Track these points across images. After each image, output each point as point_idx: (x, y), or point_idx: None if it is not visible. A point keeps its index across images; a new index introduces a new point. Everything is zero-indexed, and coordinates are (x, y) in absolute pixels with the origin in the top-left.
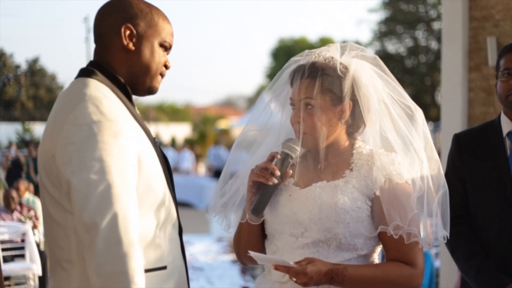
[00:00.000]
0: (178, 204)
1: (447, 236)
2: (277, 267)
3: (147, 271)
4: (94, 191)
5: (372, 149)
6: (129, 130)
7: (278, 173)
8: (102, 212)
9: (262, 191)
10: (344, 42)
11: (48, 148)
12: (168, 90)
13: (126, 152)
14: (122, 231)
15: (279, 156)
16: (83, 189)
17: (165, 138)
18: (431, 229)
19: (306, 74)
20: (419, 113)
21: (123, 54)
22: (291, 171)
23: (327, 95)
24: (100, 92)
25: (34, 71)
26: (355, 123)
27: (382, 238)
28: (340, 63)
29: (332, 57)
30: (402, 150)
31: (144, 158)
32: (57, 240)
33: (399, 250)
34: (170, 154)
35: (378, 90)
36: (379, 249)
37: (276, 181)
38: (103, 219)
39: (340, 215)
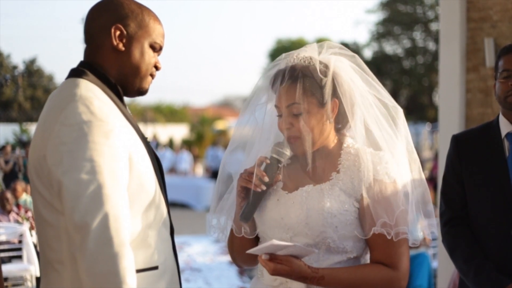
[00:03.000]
0: (176, 205)
1: (438, 236)
2: (261, 261)
3: (138, 271)
4: (85, 191)
5: (360, 148)
6: (120, 130)
7: (266, 179)
8: (93, 212)
9: (251, 196)
10: (342, 43)
11: (39, 149)
12: (165, 91)
13: (117, 152)
14: (113, 231)
15: (268, 161)
16: (74, 189)
17: (163, 139)
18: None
19: (286, 78)
20: (399, 112)
21: (113, 55)
22: (280, 175)
23: (311, 97)
24: (91, 92)
25: (32, 71)
26: (344, 119)
27: (367, 239)
28: (320, 62)
29: (311, 57)
30: (387, 147)
31: (135, 157)
32: (49, 241)
33: (382, 251)
34: (167, 155)
35: (359, 86)
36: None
37: (264, 187)
38: (94, 219)
39: (327, 219)
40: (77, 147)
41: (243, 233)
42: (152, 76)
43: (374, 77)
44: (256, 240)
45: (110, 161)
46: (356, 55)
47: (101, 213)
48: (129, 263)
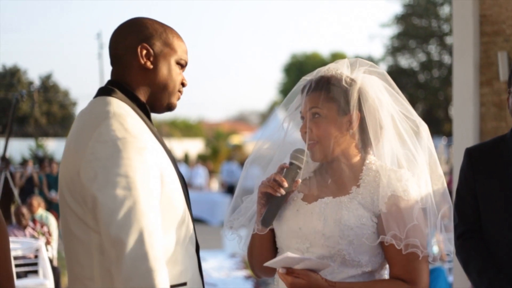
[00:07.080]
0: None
1: (453, 250)
2: (279, 275)
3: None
4: (120, 207)
5: (381, 165)
6: (152, 147)
7: (285, 184)
8: (129, 227)
9: (271, 202)
10: (356, 57)
11: (72, 166)
12: (181, 106)
13: (150, 168)
14: (148, 246)
15: (287, 166)
16: (109, 205)
17: (178, 154)
18: (443, 244)
19: (313, 87)
20: (424, 128)
21: (142, 73)
22: (300, 180)
23: (332, 104)
24: (123, 109)
25: (47, 87)
26: (366, 137)
27: (385, 253)
28: (347, 76)
29: (340, 71)
30: (408, 165)
31: (166, 175)
32: (78, 258)
33: (400, 266)
34: (183, 170)
35: (385, 105)
36: (387, 265)
37: (283, 192)
38: (130, 235)
39: (344, 231)
40: (112, 163)
41: (256, 230)
42: (180, 92)
43: (402, 94)
44: (274, 251)
45: (144, 177)
46: (385, 72)
47: (136, 229)
48: (163, 277)
